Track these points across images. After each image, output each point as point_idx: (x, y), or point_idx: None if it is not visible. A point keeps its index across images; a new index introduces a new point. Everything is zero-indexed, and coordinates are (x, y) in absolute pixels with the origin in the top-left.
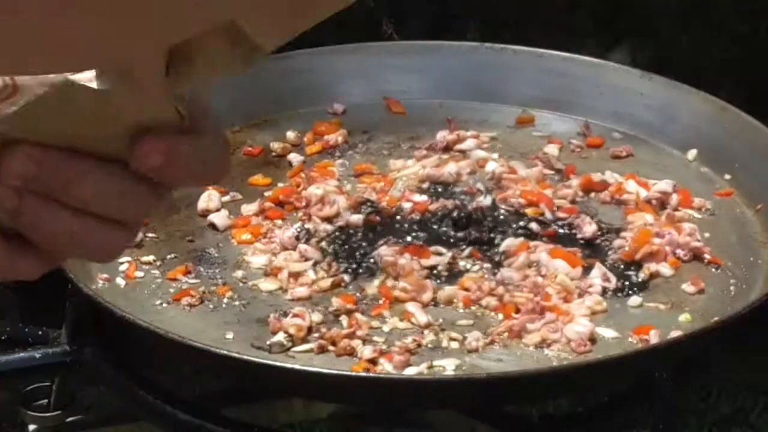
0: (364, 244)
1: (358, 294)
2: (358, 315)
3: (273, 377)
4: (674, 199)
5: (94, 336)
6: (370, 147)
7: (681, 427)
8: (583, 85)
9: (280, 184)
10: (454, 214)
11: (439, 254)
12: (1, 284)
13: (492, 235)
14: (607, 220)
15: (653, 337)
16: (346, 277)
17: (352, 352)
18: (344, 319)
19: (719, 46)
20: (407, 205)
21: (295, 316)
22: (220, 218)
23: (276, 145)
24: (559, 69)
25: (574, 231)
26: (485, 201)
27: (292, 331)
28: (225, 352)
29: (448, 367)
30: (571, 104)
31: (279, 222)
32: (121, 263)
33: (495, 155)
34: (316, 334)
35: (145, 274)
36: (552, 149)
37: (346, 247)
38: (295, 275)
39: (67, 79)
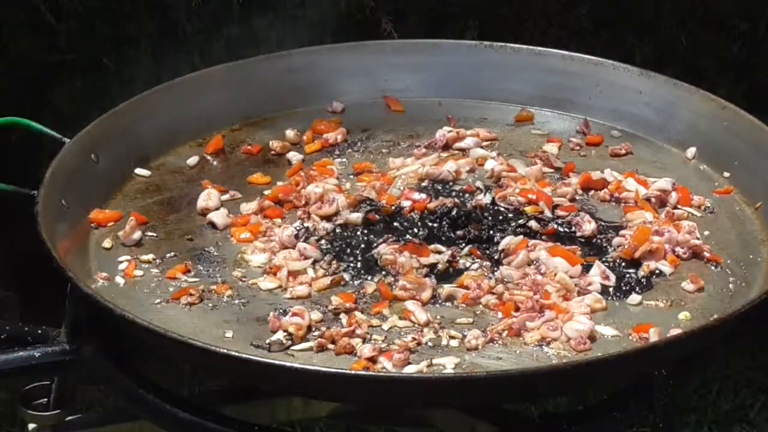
0: (363, 242)
1: (357, 292)
2: (357, 313)
3: (272, 376)
4: (673, 197)
5: (94, 335)
6: (370, 145)
7: (681, 424)
8: (582, 83)
9: (280, 183)
10: (454, 212)
11: (439, 252)
12: (1, 284)
13: (491, 233)
14: (607, 218)
15: (653, 335)
16: (346, 276)
17: (351, 351)
18: (344, 318)
19: (718, 45)
20: (406, 204)
21: (295, 314)
22: (219, 217)
23: (275, 144)
24: (558, 67)
25: (573, 229)
26: (484, 199)
27: (291, 329)
28: (224, 350)
29: (447, 365)
30: (570, 102)
31: (278, 220)
32: (121, 262)
33: (494, 153)
34: (316, 333)
35: (144, 272)
36: (551, 147)
37: (346, 245)
38: (295, 274)
39: None
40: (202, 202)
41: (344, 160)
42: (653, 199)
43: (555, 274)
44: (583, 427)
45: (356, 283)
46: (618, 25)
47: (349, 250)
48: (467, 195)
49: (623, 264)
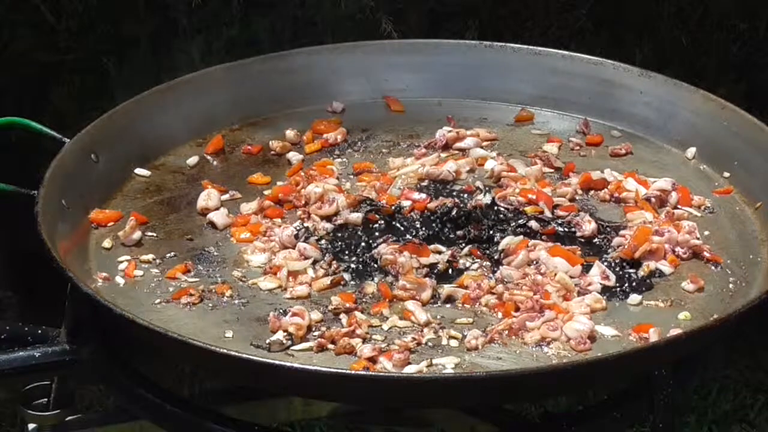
0: (363, 242)
1: (357, 292)
2: (357, 313)
3: (272, 376)
4: (673, 197)
5: (94, 335)
6: (370, 145)
7: (681, 425)
8: (582, 83)
9: (280, 183)
10: (454, 212)
11: (439, 252)
12: (1, 284)
13: (491, 233)
14: (607, 218)
15: (653, 335)
16: (346, 276)
17: (351, 351)
18: (344, 318)
19: (719, 45)
20: (406, 204)
21: (295, 314)
22: (219, 217)
23: (275, 144)
24: (558, 67)
25: (573, 229)
26: (484, 199)
27: (291, 329)
28: (224, 350)
29: (447, 365)
30: (570, 102)
31: (278, 220)
32: (121, 262)
33: (494, 153)
34: (316, 333)
35: (144, 272)
36: (551, 147)
37: (346, 245)
38: (295, 274)
39: None
40: (202, 202)
41: (344, 160)
42: (653, 199)
43: (555, 274)
44: (583, 427)
45: (356, 283)
46: (618, 25)
47: (349, 250)
48: (467, 195)
49: (623, 264)
